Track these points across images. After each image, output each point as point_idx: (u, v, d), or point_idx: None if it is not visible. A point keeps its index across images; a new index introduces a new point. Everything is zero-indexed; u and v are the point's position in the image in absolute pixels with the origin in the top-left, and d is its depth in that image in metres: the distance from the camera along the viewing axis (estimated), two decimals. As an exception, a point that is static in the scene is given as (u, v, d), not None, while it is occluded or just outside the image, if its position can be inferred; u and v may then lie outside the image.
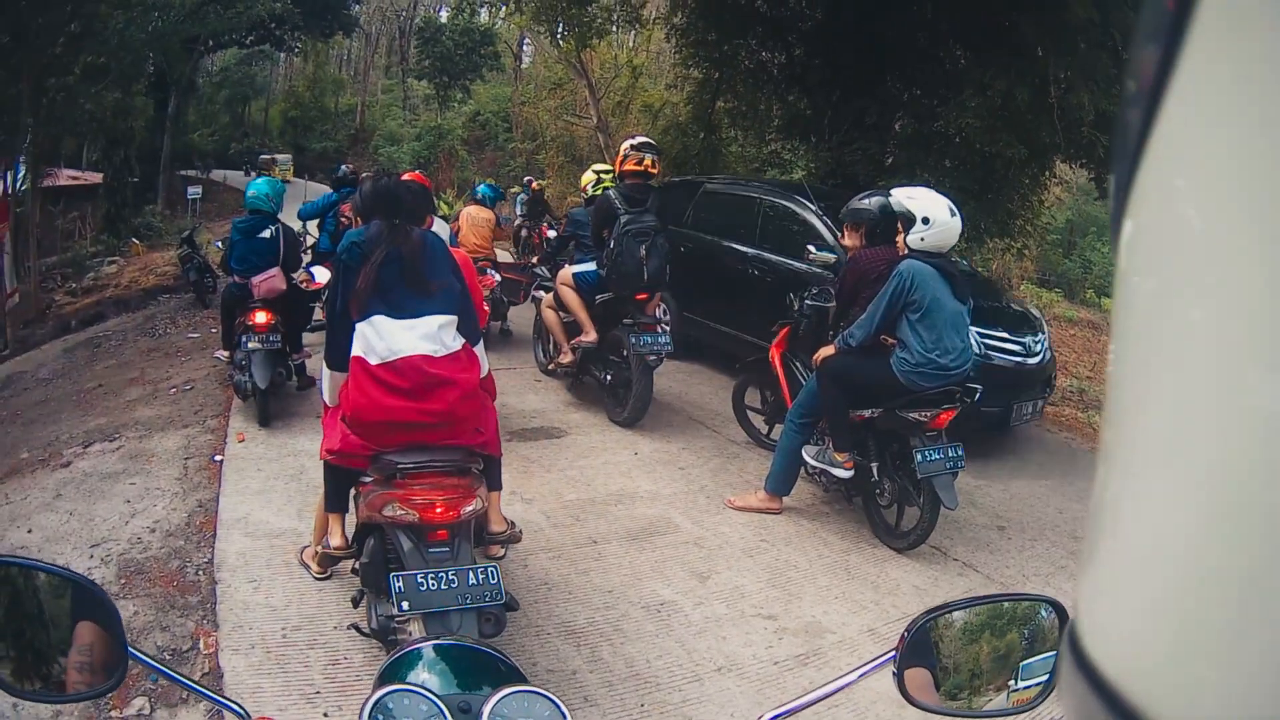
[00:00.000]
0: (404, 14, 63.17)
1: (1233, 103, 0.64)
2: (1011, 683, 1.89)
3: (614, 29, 19.59)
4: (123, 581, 5.29)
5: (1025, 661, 1.93)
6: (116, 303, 17.62)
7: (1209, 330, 0.67)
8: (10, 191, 17.35)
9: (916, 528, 6.47)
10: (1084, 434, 12.21)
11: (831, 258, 7.93)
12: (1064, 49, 10.98)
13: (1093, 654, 0.78)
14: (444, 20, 48.62)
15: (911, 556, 6.52)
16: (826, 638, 5.29)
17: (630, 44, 33.94)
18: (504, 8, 17.88)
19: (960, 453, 6.37)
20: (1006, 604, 2.02)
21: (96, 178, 29.78)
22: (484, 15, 30.91)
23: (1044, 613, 2.00)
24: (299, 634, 4.71)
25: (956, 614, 1.91)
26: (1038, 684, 1.90)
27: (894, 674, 1.71)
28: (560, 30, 17.69)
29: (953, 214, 6.26)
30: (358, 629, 4.45)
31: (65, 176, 26.89)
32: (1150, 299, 0.76)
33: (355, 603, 4.62)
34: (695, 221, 11.49)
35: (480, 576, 3.97)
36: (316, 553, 5.05)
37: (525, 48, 52.53)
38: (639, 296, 8.53)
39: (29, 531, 6.18)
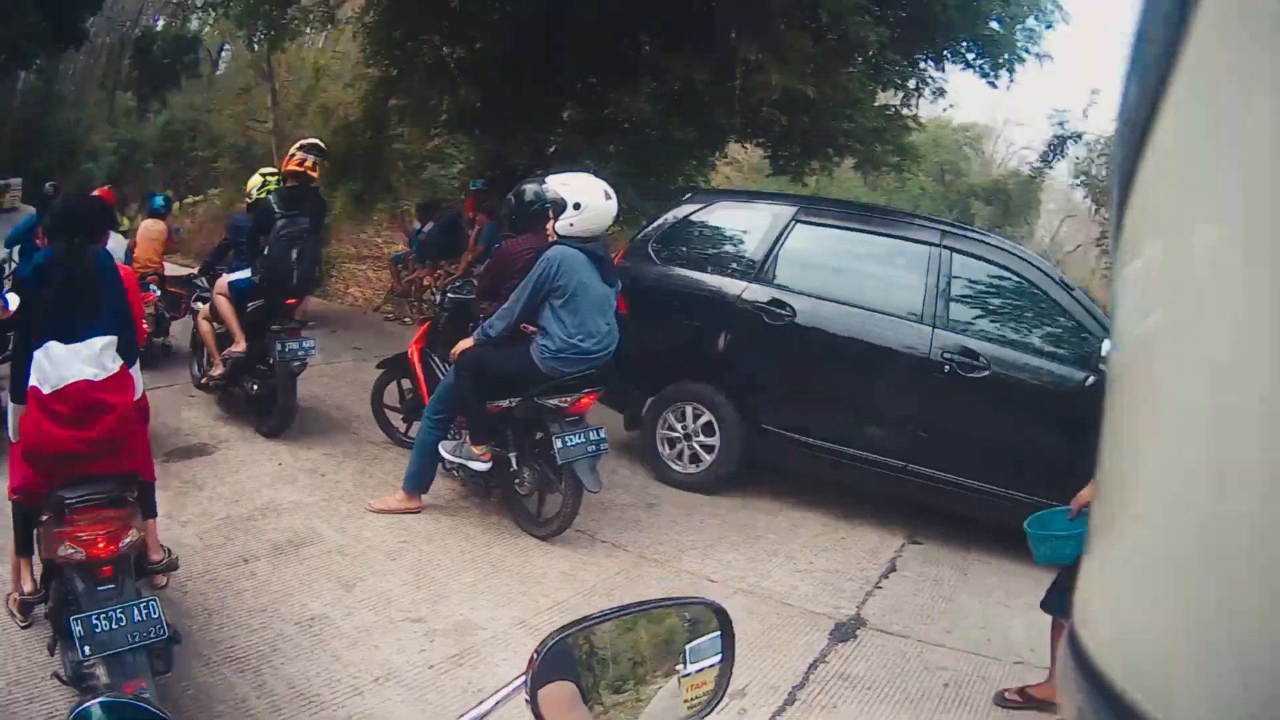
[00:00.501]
0: (128, 25, 59.90)
1: (1233, 104, 0.67)
2: (681, 666, 1.85)
3: (308, 30, 19.12)
4: None
5: (690, 644, 1.90)
6: None
7: (1208, 331, 0.70)
8: None
9: (559, 514, 6.57)
10: None
11: None
12: (760, 31, 11.13)
13: (1092, 654, 0.82)
14: (159, 29, 46.26)
15: (557, 543, 6.61)
16: (478, 635, 5.32)
17: (319, 46, 33.26)
18: (214, 12, 17.23)
19: (603, 436, 6.56)
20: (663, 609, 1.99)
21: None
22: (195, 23, 29.57)
23: (703, 616, 1.97)
24: (17, 688, 4.44)
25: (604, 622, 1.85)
26: (711, 665, 1.87)
27: (526, 700, 1.56)
28: (259, 33, 17.21)
29: (608, 197, 6.42)
30: (59, 677, 4.16)
31: None
32: (1148, 301, 0.81)
33: (51, 649, 4.31)
34: (791, 271, 8.16)
35: (143, 612, 3.89)
36: (17, 599, 4.72)
37: (224, 54, 50.65)
38: (288, 301, 8.44)
39: None
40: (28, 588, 4.58)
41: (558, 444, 6.29)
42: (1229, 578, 0.67)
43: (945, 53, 14.80)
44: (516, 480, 6.79)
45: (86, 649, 3.71)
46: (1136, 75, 0.79)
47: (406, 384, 8.20)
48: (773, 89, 11.09)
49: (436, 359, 7.55)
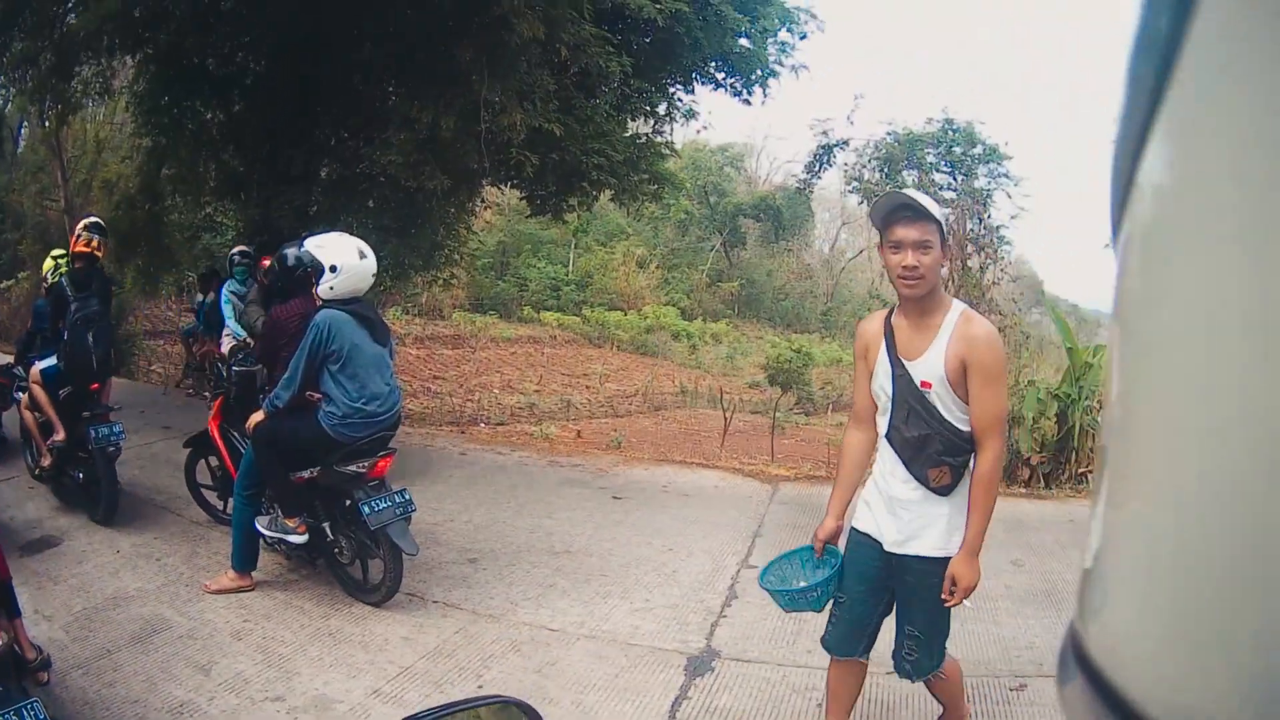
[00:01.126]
0: None
1: (1232, 105, 0.69)
2: None
3: (89, 103, 18.46)
4: None
5: None
6: None
7: (1207, 335, 0.72)
8: None
9: (385, 579, 6.65)
10: (539, 449, 12.75)
11: None
12: (503, 72, 11.11)
13: (1095, 656, 0.84)
14: None
15: (391, 608, 6.71)
16: (337, 708, 5.37)
17: (99, 118, 32.02)
18: (13, 90, 16.49)
19: (408, 497, 6.65)
20: (467, 711, 2.08)
21: None
22: None
23: (510, 711, 2.11)
24: None
25: None
26: None
27: None
28: (47, 107, 16.61)
29: (363, 256, 6.53)
30: None
31: None
32: (1148, 306, 0.82)
33: None
34: None
35: (30, 714, 3.86)
36: None
37: (23, 132, 48.08)
38: (93, 386, 8.43)
39: None
40: None
41: (365, 510, 6.40)
42: (1230, 581, 0.70)
43: (693, 75, 14.89)
44: (335, 549, 6.91)
45: None
46: (1136, 76, 0.82)
47: (215, 460, 8.20)
48: (518, 129, 11.16)
49: (235, 433, 7.60)
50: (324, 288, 6.44)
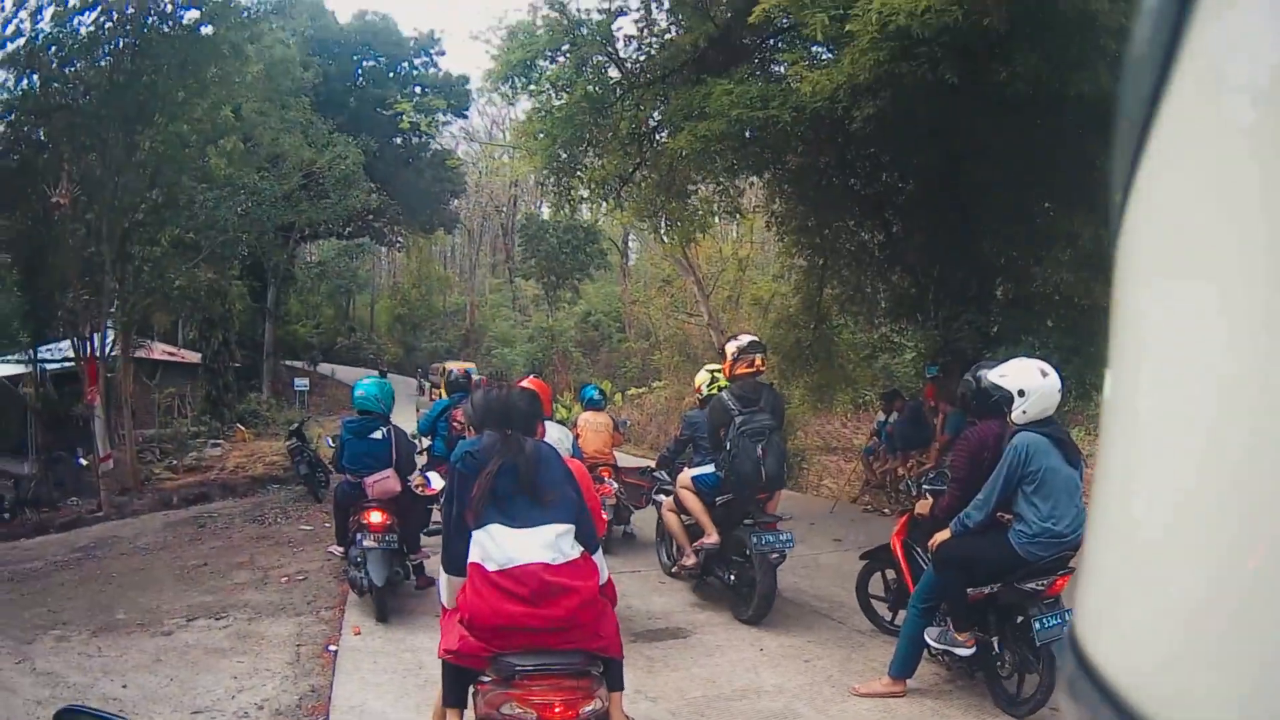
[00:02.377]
0: (504, 210, 63.75)
1: (1231, 106, 0.70)
2: None
3: (715, 220, 19.65)
4: None
5: None
6: (222, 486, 17.76)
7: (1207, 338, 0.72)
8: (99, 354, 17.31)
9: (1036, 693, 6.41)
10: None
11: None
12: None
13: (1095, 658, 0.83)
14: (545, 218, 48.83)
15: None
16: None
17: (734, 235, 34.10)
18: (604, 204, 17.99)
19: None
20: None
21: (195, 357, 30.13)
22: (585, 212, 30.94)
23: None
24: None
25: None
26: None
27: None
28: (663, 225, 17.78)
29: (1044, 375, 6.30)
30: None
31: (160, 351, 27.35)
32: (1148, 307, 0.82)
33: None
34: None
35: None
36: None
37: (631, 244, 52.67)
38: (760, 496, 8.58)
39: (124, 687, 6.55)
40: None
41: (1037, 626, 6.18)
42: (1228, 582, 0.69)
43: None
44: (998, 663, 6.72)
45: None
46: (1136, 78, 0.79)
47: (890, 574, 8.16)
48: None
49: (918, 549, 7.50)
50: (1016, 413, 6.31)
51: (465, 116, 52.89)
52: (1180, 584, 0.74)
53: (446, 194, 50.48)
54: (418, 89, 47.32)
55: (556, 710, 4.16)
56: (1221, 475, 0.70)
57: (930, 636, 6.74)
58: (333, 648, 7.57)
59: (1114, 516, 0.88)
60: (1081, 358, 12.82)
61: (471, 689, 4.58)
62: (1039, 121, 11.51)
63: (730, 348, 8.71)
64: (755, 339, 8.95)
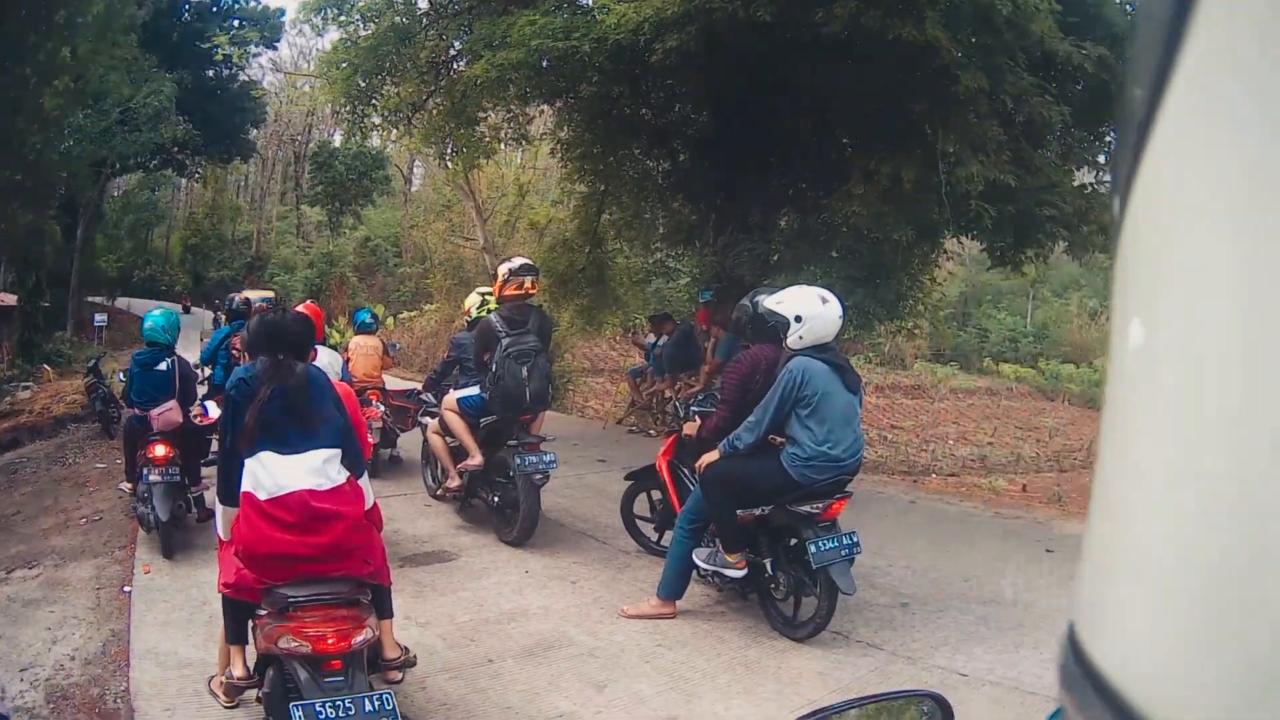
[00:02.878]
0: (299, 139, 62.97)
1: (1233, 109, 0.68)
2: None
3: (502, 147, 19.65)
4: (51, 706, 5.38)
5: None
6: (31, 429, 17.31)
7: (1207, 339, 0.71)
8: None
9: (815, 616, 6.45)
10: (985, 500, 12.45)
11: None
12: (954, 124, 11.08)
13: (1095, 658, 0.82)
14: (336, 145, 48.47)
15: (812, 644, 6.47)
16: None
17: (518, 162, 34.14)
18: (394, 131, 17.88)
19: (856, 540, 6.41)
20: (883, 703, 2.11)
21: (10, 300, 29.87)
22: (375, 139, 30.78)
23: (925, 708, 2.06)
24: None
25: (842, 715, 1.97)
26: None
27: None
28: (449, 151, 17.78)
29: (824, 301, 6.37)
30: None
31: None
32: (1147, 309, 0.81)
33: None
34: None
35: (376, 704, 4.07)
36: (223, 682, 4.99)
37: (416, 171, 52.58)
38: (523, 417, 8.61)
39: (-43, 651, 6.23)
40: (239, 673, 4.81)
41: (812, 549, 6.20)
42: (1228, 582, 0.68)
43: None
44: (772, 585, 6.75)
45: None
46: (1138, 74, 0.78)
47: (656, 494, 8.19)
48: (975, 180, 10.94)
49: (685, 470, 7.50)
50: (793, 339, 6.36)
51: (275, 48, 52.54)
52: (1181, 583, 0.74)
53: (247, 124, 49.58)
54: (235, 22, 46.62)
55: (330, 641, 4.16)
56: (1225, 473, 0.69)
57: (699, 558, 6.74)
58: (127, 588, 7.38)
59: (1114, 515, 0.87)
60: (866, 288, 13.13)
61: (251, 623, 4.62)
62: (850, 63, 11.61)
63: (502, 270, 8.69)
64: (527, 262, 8.93)
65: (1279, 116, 0.64)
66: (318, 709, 3.96)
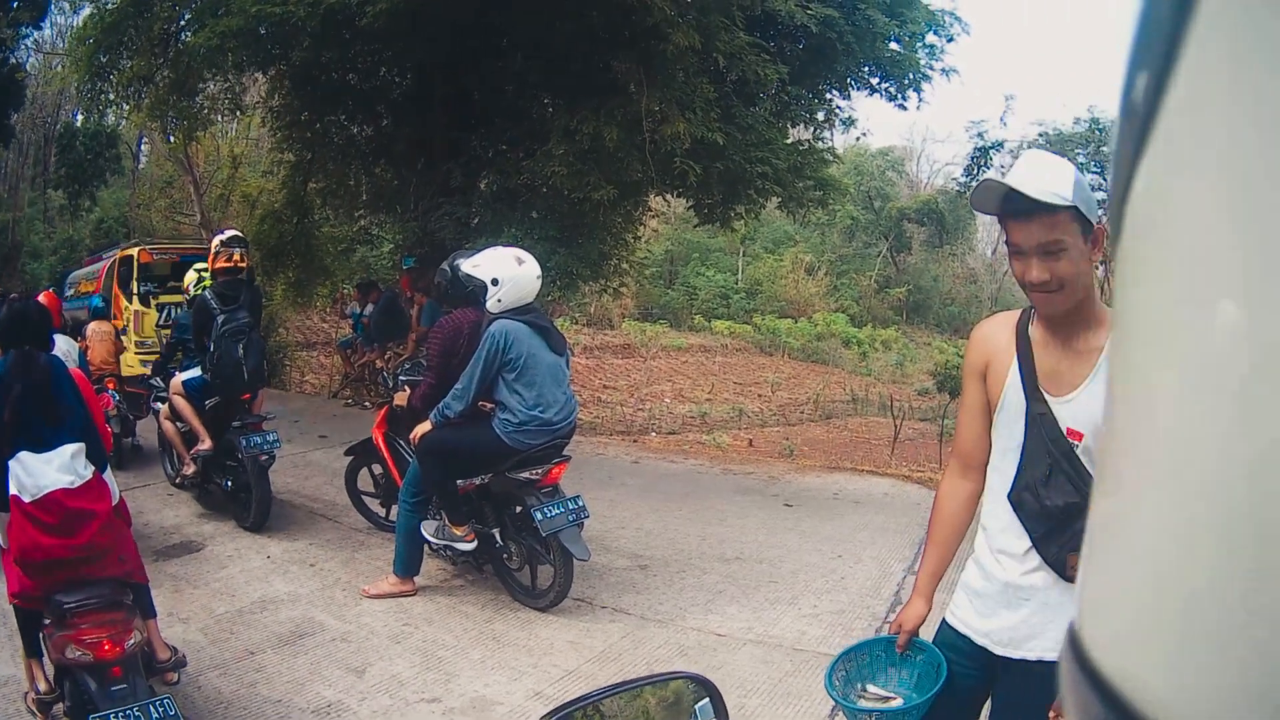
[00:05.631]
0: (49, 121, 59.26)
1: (1233, 103, 0.67)
2: None
3: (218, 118, 19.09)
4: None
5: (697, 704, 1.97)
6: None
7: (1208, 337, 0.70)
8: None
9: (554, 585, 6.52)
10: (711, 457, 12.62)
11: None
12: (660, 82, 11.15)
13: (1095, 657, 0.80)
14: (78, 125, 45.93)
15: (558, 613, 6.55)
16: (495, 710, 5.27)
17: (233, 133, 33.15)
18: (126, 106, 17.19)
19: (581, 503, 6.49)
20: (647, 686, 2.07)
21: None
22: (110, 117, 29.34)
23: (691, 689, 2.05)
24: None
25: (602, 702, 1.94)
26: None
27: None
28: (170, 124, 17.22)
29: (520, 262, 6.38)
30: None
31: None
32: (1149, 308, 0.79)
33: None
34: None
35: (159, 710, 3.95)
36: (34, 698, 4.79)
37: (143, 147, 50.37)
38: (244, 396, 8.53)
39: None
40: (43, 687, 4.65)
41: (538, 516, 6.25)
42: (1231, 580, 0.67)
43: (849, 81, 14.94)
44: (505, 555, 6.83)
45: None
46: (1136, 72, 0.77)
47: (378, 468, 8.17)
48: (682, 138, 11.12)
49: (401, 442, 7.52)
50: (491, 302, 6.33)
51: (41, 27, 48.57)
52: (1183, 582, 0.72)
53: (9, 109, 46.16)
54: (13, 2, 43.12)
55: (106, 648, 4.05)
56: (1229, 472, 0.67)
57: (428, 532, 6.75)
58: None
59: (1114, 514, 0.84)
60: (567, 249, 13.31)
61: (41, 635, 4.43)
62: (558, 22, 11.66)
63: (214, 242, 8.59)
64: (236, 233, 8.83)
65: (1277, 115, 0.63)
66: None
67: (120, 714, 3.87)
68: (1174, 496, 0.73)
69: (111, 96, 16.36)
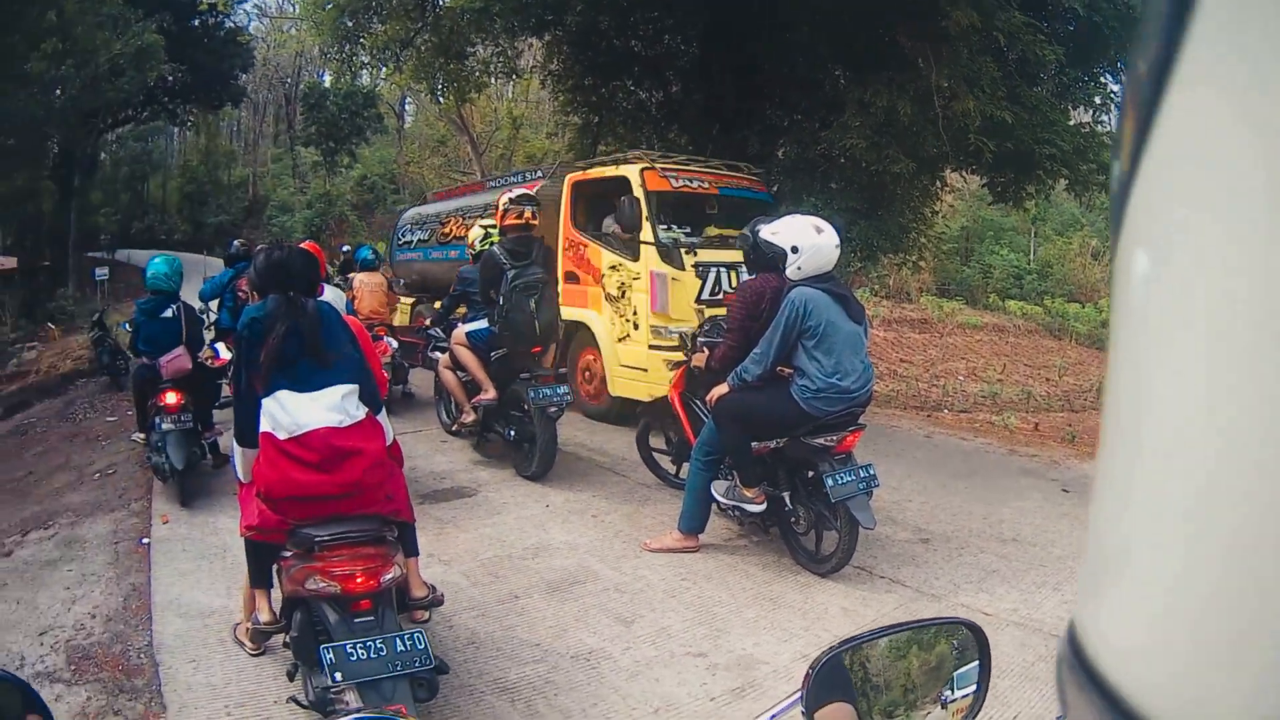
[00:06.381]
0: (289, 81, 62.78)
1: (1237, 98, 0.64)
2: (948, 692, 1.87)
3: (492, 81, 19.49)
4: (73, 668, 5.23)
5: (958, 670, 1.92)
6: (39, 389, 17.19)
7: (1212, 335, 0.68)
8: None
9: (837, 551, 6.41)
10: (999, 437, 12.40)
11: None
12: (946, 58, 11.03)
13: (1099, 664, 0.79)
14: (327, 85, 48.30)
15: (836, 579, 6.47)
16: (760, 669, 5.19)
17: (510, 95, 33.93)
18: (384, 69, 17.76)
19: (872, 472, 6.36)
20: (915, 630, 1.96)
21: (11, 263, 29.54)
22: (365, 78, 30.57)
23: (960, 633, 1.98)
24: (242, 710, 4.64)
25: (873, 645, 1.84)
26: (969, 693, 1.88)
27: (803, 713, 1.56)
28: (440, 86, 17.67)
29: (819, 231, 6.28)
30: (297, 701, 4.35)
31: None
32: (1150, 305, 0.76)
33: (290, 676, 4.56)
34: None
35: (408, 643, 3.96)
36: (248, 629, 5.01)
37: (407, 107, 52.35)
38: (534, 350, 8.60)
39: (-23, 620, 6.22)
40: (265, 618, 4.79)
41: (829, 482, 6.15)
42: (1235, 587, 0.65)
43: (1120, 64, 14.35)
44: (792, 519, 6.73)
45: (338, 675, 3.83)
46: (1139, 66, 0.73)
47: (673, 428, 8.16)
48: (972, 115, 11.02)
49: (697, 402, 7.46)
50: (791, 269, 6.31)
51: None
52: (1186, 583, 0.70)
53: (235, 69, 49.25)
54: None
55: (359, 580, 4.10)
56: (1233, 471, 0.65)
57: (718, 492, 6.74)
58: (145, 540, 7.27)
59: (1116, 520, 0.83)
60: (868, 221, 13.09)
61: (276, 566, 4.54)
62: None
63: (502, 200, 8.69)
64: (526, 191, 8.98)
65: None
66: (348, 650, 3.87)
67: (361, 645, 3.91)
68: (1178, 502, 0.71)
69: (365, 59, 16.87)
